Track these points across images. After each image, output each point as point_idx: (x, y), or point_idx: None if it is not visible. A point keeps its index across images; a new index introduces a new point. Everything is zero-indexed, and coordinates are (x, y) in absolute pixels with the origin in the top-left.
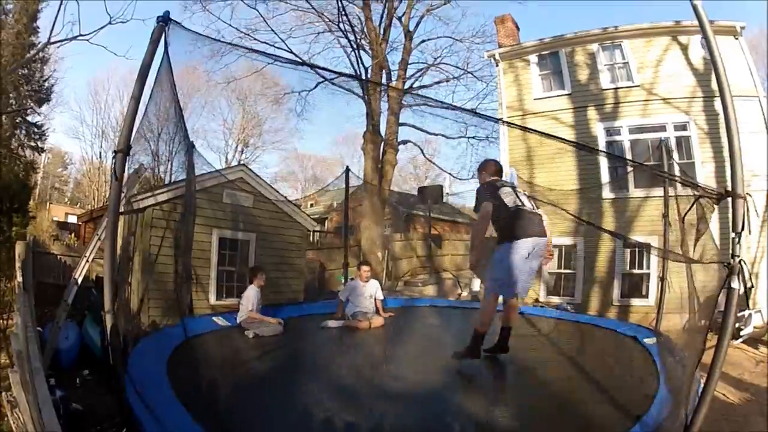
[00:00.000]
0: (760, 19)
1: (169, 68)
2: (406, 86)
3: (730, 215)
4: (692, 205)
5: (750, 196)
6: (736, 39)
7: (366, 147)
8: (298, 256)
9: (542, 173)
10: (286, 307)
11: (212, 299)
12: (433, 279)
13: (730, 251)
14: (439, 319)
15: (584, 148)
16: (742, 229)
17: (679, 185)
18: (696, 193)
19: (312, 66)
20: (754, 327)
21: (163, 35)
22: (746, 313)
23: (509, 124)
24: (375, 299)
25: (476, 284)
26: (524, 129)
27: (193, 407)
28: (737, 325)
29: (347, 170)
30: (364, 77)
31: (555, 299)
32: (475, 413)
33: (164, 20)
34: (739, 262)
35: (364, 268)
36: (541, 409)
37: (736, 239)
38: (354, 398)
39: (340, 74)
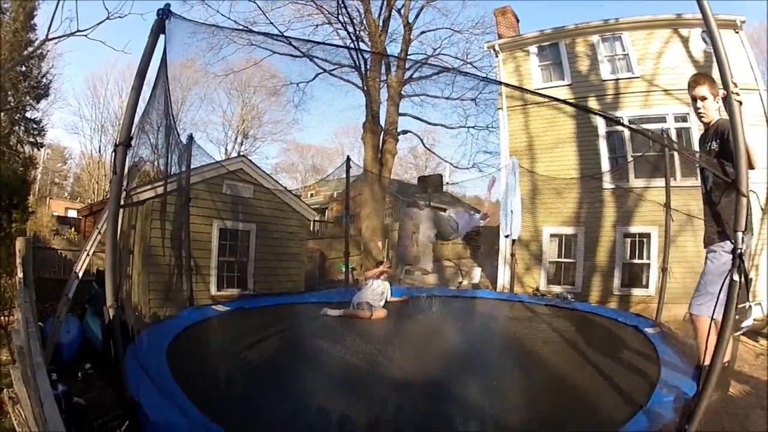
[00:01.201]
0: (760, 13)
1: (165, 63)
2: (405, 77)
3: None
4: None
5: (754, 192)
6: (737, 33)
7: (366, 137)
8: (299, 246)
9: (543, 162)
10: (287, 297)
11: (213, 290)
12: (433, 268)
13: (733, 243)
14: (441, 308)
15: (583, 109)
16: (746, 228)
17: (679, 176)
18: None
19: (313, 42)
20: (754, 319)
21: (163, 28)
22: (746, 305)
23: (507, 85)
24: (385, 298)
25: (477, 274)
26: (522, 90)
27: (195, 396)
28: (737, 317)
29: (348, 160)
30: (363, 68)
31: (555, 288)
32: (476, 402)
33: (164, 13)
34: (740, 255)
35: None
36: (542, 398)
37: (738, 234)
38: (353, 386)
39: (342, 47)
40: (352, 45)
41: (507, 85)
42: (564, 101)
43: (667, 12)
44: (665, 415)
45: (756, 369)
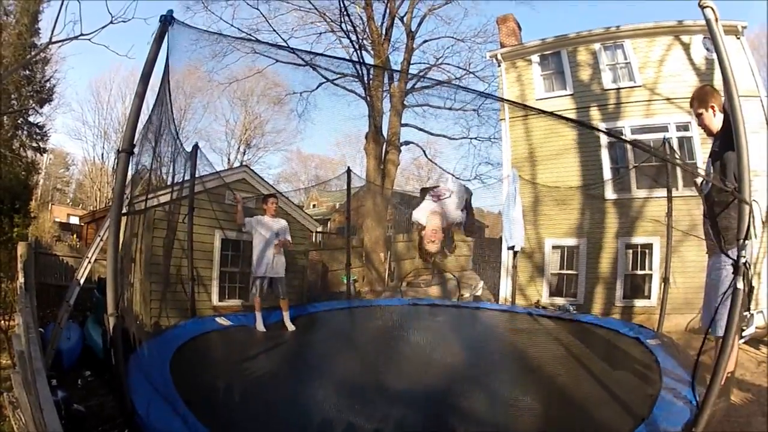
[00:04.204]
0: (760, 19)
1: (167, 70)
2: (408, 87)
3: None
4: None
5: (756, 202)
6: (738, 38)
7: (368, 147)
8: (301, 257)
9: (544, 173)
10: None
11: (215, 300)
12: (435, 280)
13: (736, 253)
14: (442, 321)
15: (587, 126)
16: (747, 237)
17: (681, 185)
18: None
19: (313, 53)
20: (756, 327)
21: (166, 35)
22: (748, 313)
23: (510, 101)
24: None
25: (479, 286)
26: (525, 107)
27: (197, 407)
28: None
29: (349, 171)
30: (366, 78)
31: (558, 300)
32: (476, 415)
33: (167, 20)
34: (744, 263)
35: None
36: (543, 411)
37: (741, 242)
38: (355, 399)
39: (344, 59)
40: (355, 53)
41: (510, 101)
42: (567, 119)
43: (668, 18)
44: (667, 427)
45: (758, 376)
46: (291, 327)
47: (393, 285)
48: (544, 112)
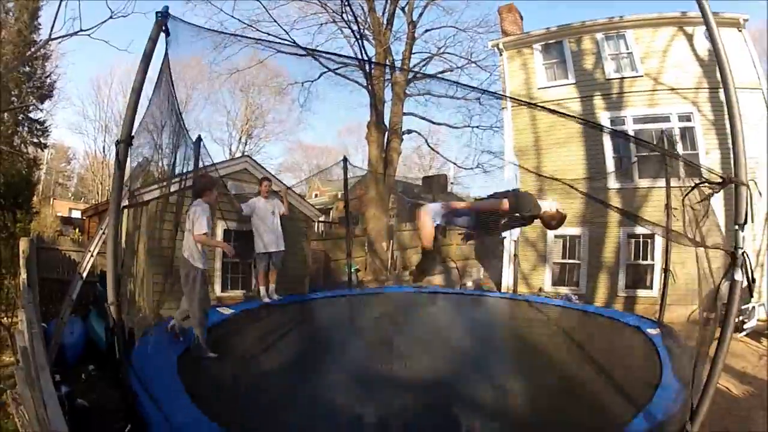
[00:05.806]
0: (762, 12)
1: (168, 65)
2: (410, 76)
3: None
4: (692, 189)
5: (754, 182)
6: (740, 31)
7: (370, 136)
8: (303, 247)
9: (548, 161)
10: (292, 296)
11: (218, 290)
12: (438, 268)
13: (734, 243)
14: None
15: (588, 124)
16: (746, 221)
17: (683, 175)
18: (696, 181)
19: (316, 51)
20: (758, 320)
21: (162, 30)
22: (750, 306)
23: (512, 99)
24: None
25: (481, 274)
26: (528, 104)
27: (201, 398)
28: (741, 318)
29: (345, 160)
30: (368, 66)
31: (561, 289)
32: (476, 400)
33: (163, 15)
34: (743, 254)
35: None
36: (545, 399)
37: (740, 230)
38: (362, 388)
39: (346, 57)
40: (356, 42)
41: (511, 98)
42: (571, 116)
43: (671, 10)
44: (667, 415)
45: (759, 370)
46: (275, 296)
47: (396, 273)
48: (533, 105)
